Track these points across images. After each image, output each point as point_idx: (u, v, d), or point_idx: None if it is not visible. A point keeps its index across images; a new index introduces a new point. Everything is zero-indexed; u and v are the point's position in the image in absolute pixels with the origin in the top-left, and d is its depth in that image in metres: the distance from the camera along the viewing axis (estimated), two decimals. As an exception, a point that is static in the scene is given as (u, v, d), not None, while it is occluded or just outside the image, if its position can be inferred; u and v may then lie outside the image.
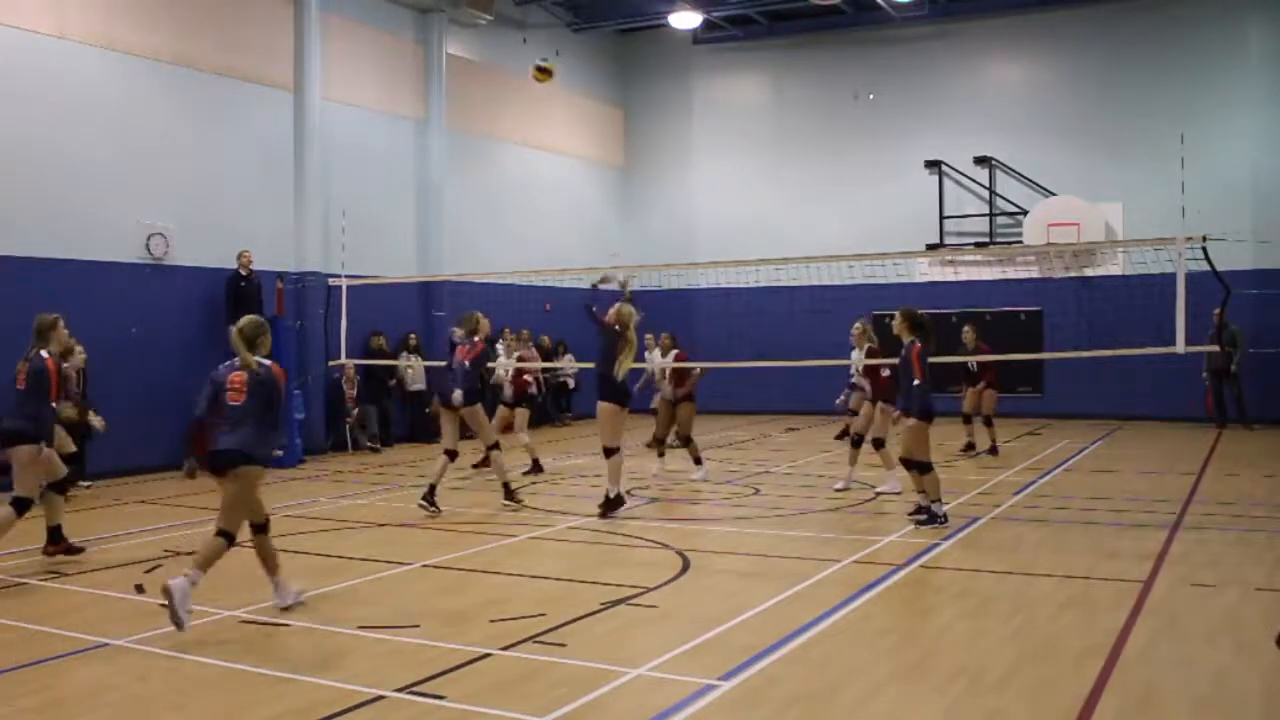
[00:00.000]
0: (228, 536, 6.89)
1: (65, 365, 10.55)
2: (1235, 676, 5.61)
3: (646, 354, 14.70)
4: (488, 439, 11.16)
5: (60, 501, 8.91)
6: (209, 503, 11.86)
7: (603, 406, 10.47)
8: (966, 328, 15.49)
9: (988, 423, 15.31)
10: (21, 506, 8.32)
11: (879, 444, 11.92)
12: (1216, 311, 17.04)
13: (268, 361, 7.20)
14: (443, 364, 16.84)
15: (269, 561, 7.10)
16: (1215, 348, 15.09)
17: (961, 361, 15.26)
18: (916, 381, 9.55)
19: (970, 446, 15.49)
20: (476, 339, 11.09)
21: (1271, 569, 8.01)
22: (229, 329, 16.06)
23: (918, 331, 9.71)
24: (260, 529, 7.07)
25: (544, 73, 14.30)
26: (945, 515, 9.74)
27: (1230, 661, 5.83)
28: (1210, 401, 18.89)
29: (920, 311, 9.92)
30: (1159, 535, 9.29)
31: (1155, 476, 13.18)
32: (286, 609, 7.05)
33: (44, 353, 8.51)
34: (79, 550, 8.96)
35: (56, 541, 8.81)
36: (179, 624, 6.40)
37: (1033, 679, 5.56)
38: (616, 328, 10.42)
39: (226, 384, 7.04)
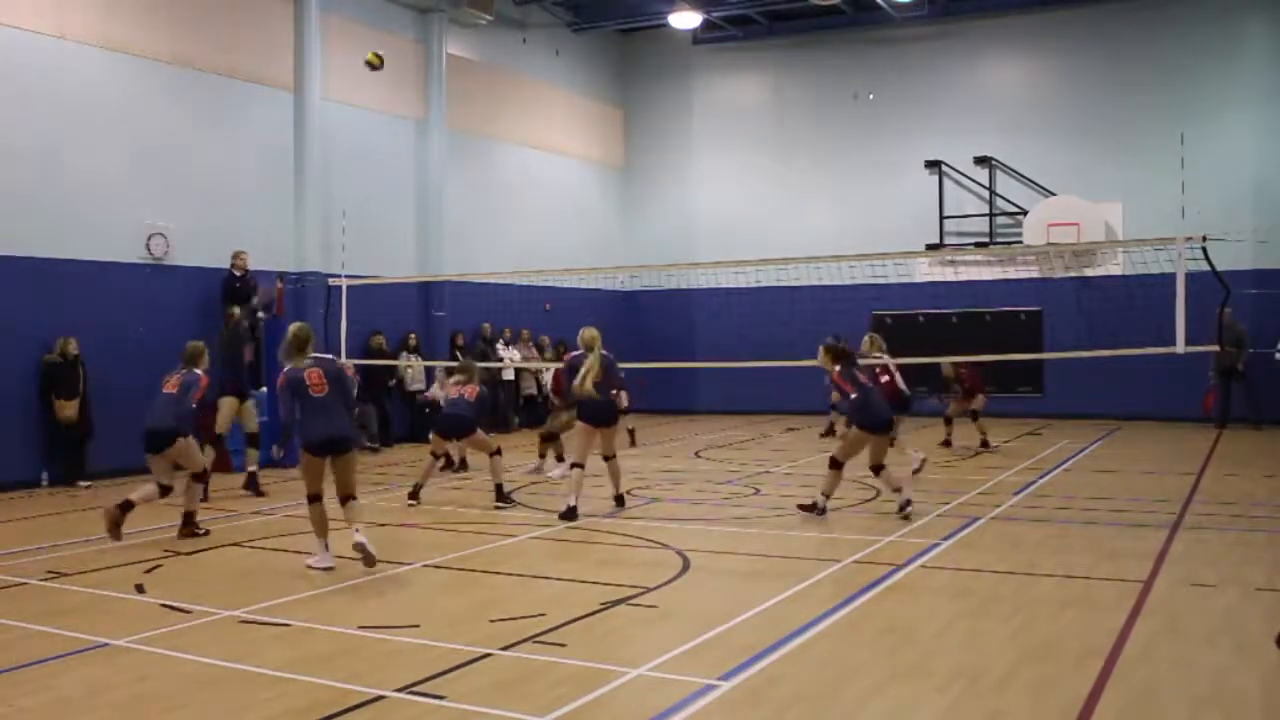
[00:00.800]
0: (354, 497, 8.37)
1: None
2: (1235, 676, 5.61)
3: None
4: (489, 448, 11.55)
5: (197, 490, 10.05)
6: (209, 503, 11.88)
7: (580, 425, 11.00)
8: (944, 364, 15.61)
9: (973, 417, 15.77)
10: (200, 478, 9.97)
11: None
12: (1226, 311, 17.36)
13: (328, 356, 8.64)
14: (438, 363, 16.89)
15: (322, 524, 8.41)
16: (1215, 347, 15.09)
17: (947, 381, 15.93)
18: (853, 396, 10.29)
19: (947, 443, 16.02)
20: (473, 384, 11.84)
21: (1271, 569, 8.01)
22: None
23: (840, 360, 10.50)
24: (352, 496, 8.41)
25: (376, 59, 13.99)
26: (824, 510, 10.31)
27: (1230, 661, 5.83)
28: (1210, 401, 18.84)
29: (839, 344, 10.72)
30: (1159, 535, 9.29)
31: (1155, 476, 13.18)
32: (361, 548, 8.06)
33: (197, 370, 10.08)
34: (205, 533, 9.85)
35: (189, 524, 9.87)
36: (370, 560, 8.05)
37: (1033, 679, 5.56)
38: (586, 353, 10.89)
39: (306, 380, 8.27)
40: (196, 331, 15.00)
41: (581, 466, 10.69)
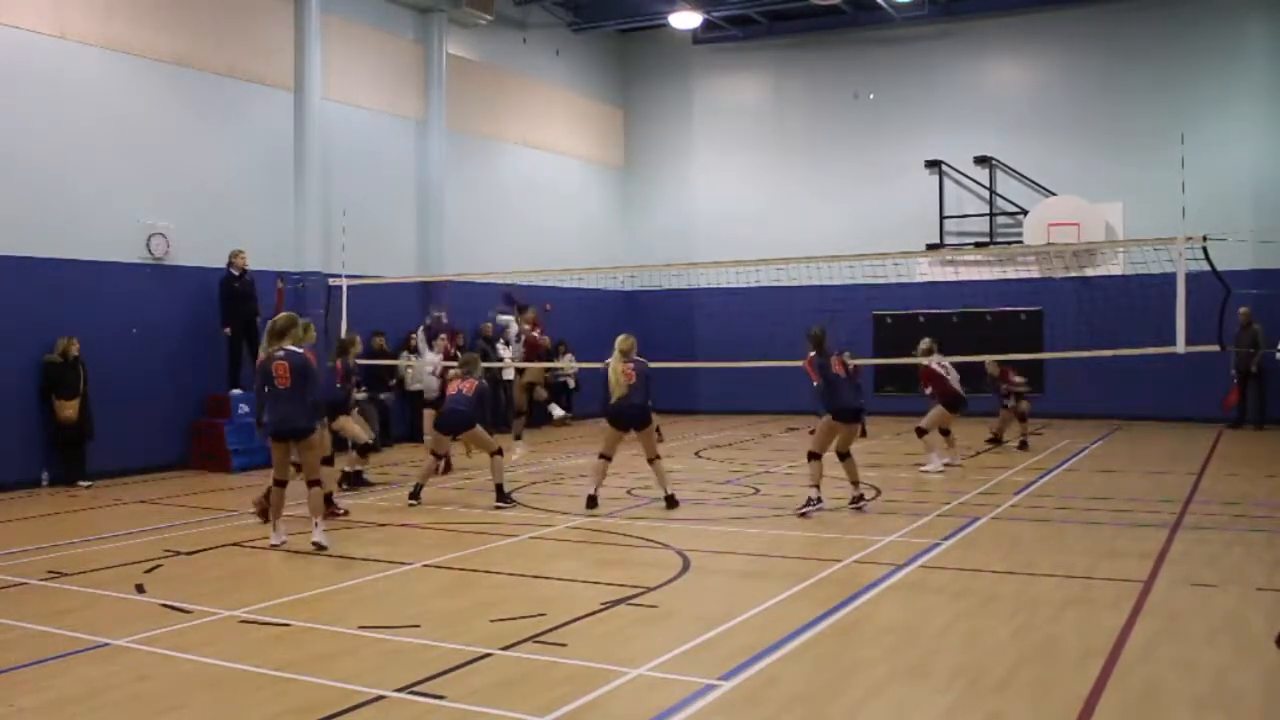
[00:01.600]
0: (319, 481, 9.31)
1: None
2: (1235, 676, 5.61)
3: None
4: (490, 447, 11.49)
5: (332, 473, 10.71)
6: (209, 503, 11.92)
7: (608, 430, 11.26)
8: (989, 362, 15.63)
9: (1022, 419, 16.04)
10: (329, 461, 10.47)
11: (922, 432, 13.93)
12: (1242, 310, 17.42)
13: (299, 349, 9.20)
14: (442, 363, 16.88)
15: (315, 507, 9.19)
16: (1216, 347, 15.09)
17: (992, 380, 16.01)
18: (815, 383, 10.72)
19: (1024, 444, 16.11)
20: (472, 378, 11.72)
21: (1271, 569, 8.01)
22: (224, 331, 16.18)
23: (816, 348, 10.81)
24: (314, 482, 9.28)
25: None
26: (820, 499, 10.56)
27: (1230, 661, 5.83)
28: (1234, 398, 18.79)
29: (816, 329, 10.95)
30: (1159, 535, 9.29)
31: (1155, 476, 13.18)
32: (318, 546, 8.92)
33: (333, 362, 11.12)
34: (344, 513, 10.63)
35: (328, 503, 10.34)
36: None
37: (1033, 679, 5.56)
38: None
39: (274, 371, 8.99)
40: (197, 332, 15.09)
41: (608, 459, 11.11)
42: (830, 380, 10.68)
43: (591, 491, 11.04)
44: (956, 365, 14.08)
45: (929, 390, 13.94)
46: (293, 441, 9.13)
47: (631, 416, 11.06)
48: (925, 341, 14.36)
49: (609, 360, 11.22)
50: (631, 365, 11.08)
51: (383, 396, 12.71)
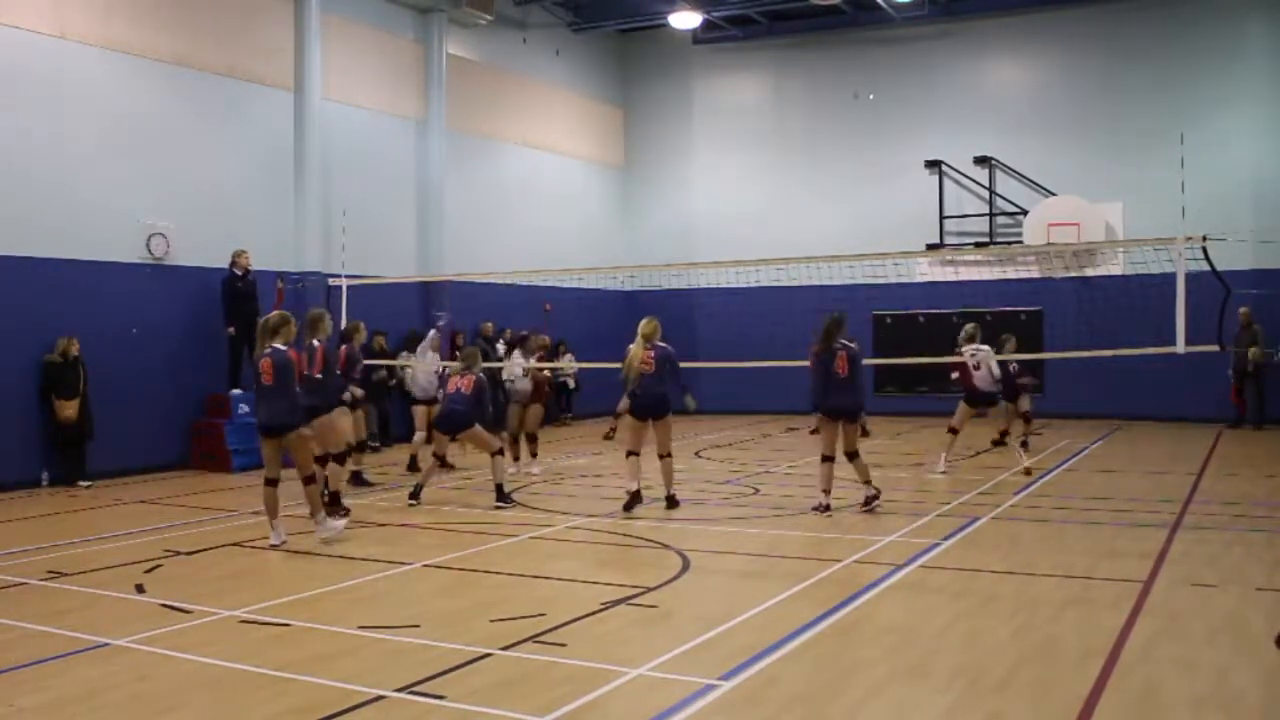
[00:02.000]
0: (312, 479, 9.41)
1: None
2: (1235, 676, 5.61)
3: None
4: (490, 447, 11.43)
5: (339, 471, 10.81)
6: (209, 503, 11.93)
7: (628, 419, 11.22)
8: (1006, 352, 15.44)
9: (1026, 420, 15.76)
10: (339, 459, 10.74)
11: (953, 431, 13.78)
12: (1242, 310, 17.38)
13: (283, 347, 9.23)
14: (445, 362, 16.87)
15: (313, 505, 9.40)
16: (1215, 347, 15.09)
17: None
18: (814, 377, 10.65)
19: (1024, 443, 15.78)
20: (471, 374, 11.45)
21: (1271, 569, 8.01)
22: (226, 330, 16.18)
23: (824, 338, 10.55)
24: (309, 479, 9.39)
25: None
26: (824, 505, 10.47)
27: (1230, 661, 5.83)
28: (1234, 399, 18.81)
29: (829, 320, 10.59)
30: (1159, 535, 9.29)
31: (1155, 476, 13.18)
32: (326, 540, 9.23)
33: (315, 341, 10.56)
34: (346, 511, 10.46)
35: (335, 503, 10.47)
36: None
37: (1033, 679, 5.56)
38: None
39: (259, 368, 9.18)
40: (197, 332, 15.09)
41: (636, 454, 10.87)
42: (822, 377, 10.50)
43: (634, 488, 10.71)
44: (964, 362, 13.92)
45: (955, 375, 13.92)
46: (279, 439, 9.21)
47: (649, 405, 10.81)
48: (969, 326, 14.18)
49: (631, 346, 10.94)
50: (652, 352, 10.78)
51: (358, 392, 12.36)
